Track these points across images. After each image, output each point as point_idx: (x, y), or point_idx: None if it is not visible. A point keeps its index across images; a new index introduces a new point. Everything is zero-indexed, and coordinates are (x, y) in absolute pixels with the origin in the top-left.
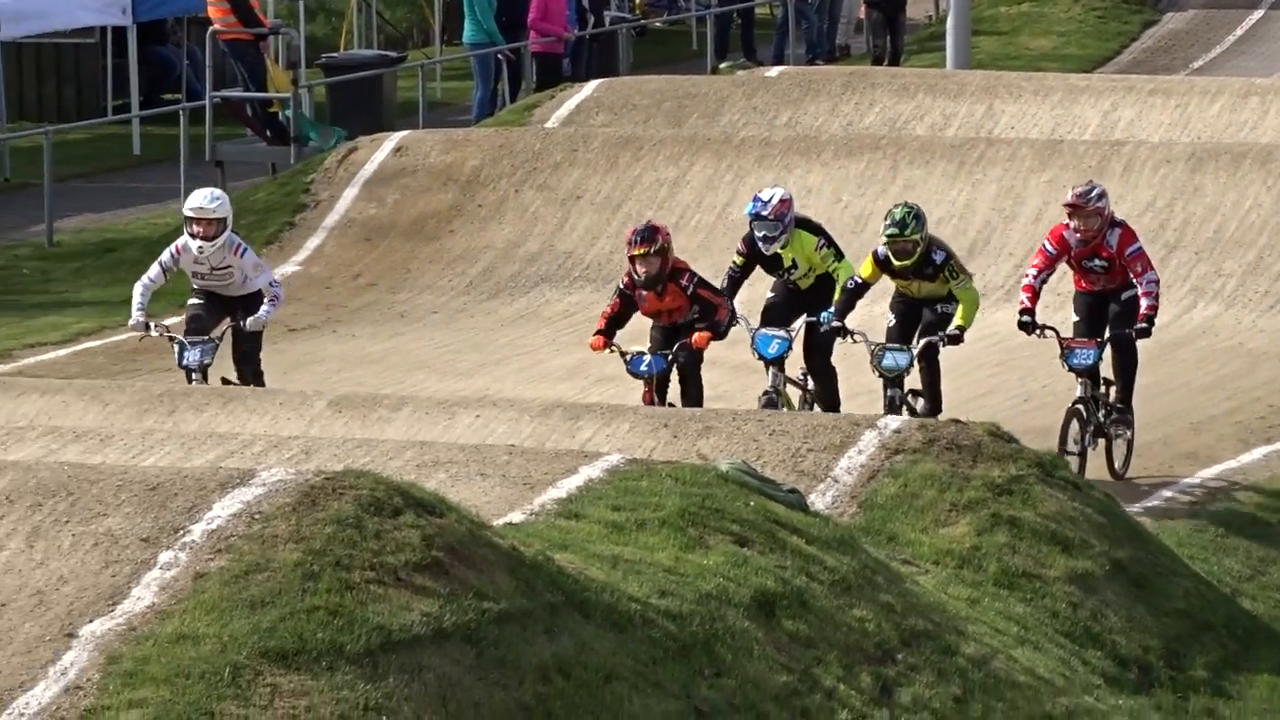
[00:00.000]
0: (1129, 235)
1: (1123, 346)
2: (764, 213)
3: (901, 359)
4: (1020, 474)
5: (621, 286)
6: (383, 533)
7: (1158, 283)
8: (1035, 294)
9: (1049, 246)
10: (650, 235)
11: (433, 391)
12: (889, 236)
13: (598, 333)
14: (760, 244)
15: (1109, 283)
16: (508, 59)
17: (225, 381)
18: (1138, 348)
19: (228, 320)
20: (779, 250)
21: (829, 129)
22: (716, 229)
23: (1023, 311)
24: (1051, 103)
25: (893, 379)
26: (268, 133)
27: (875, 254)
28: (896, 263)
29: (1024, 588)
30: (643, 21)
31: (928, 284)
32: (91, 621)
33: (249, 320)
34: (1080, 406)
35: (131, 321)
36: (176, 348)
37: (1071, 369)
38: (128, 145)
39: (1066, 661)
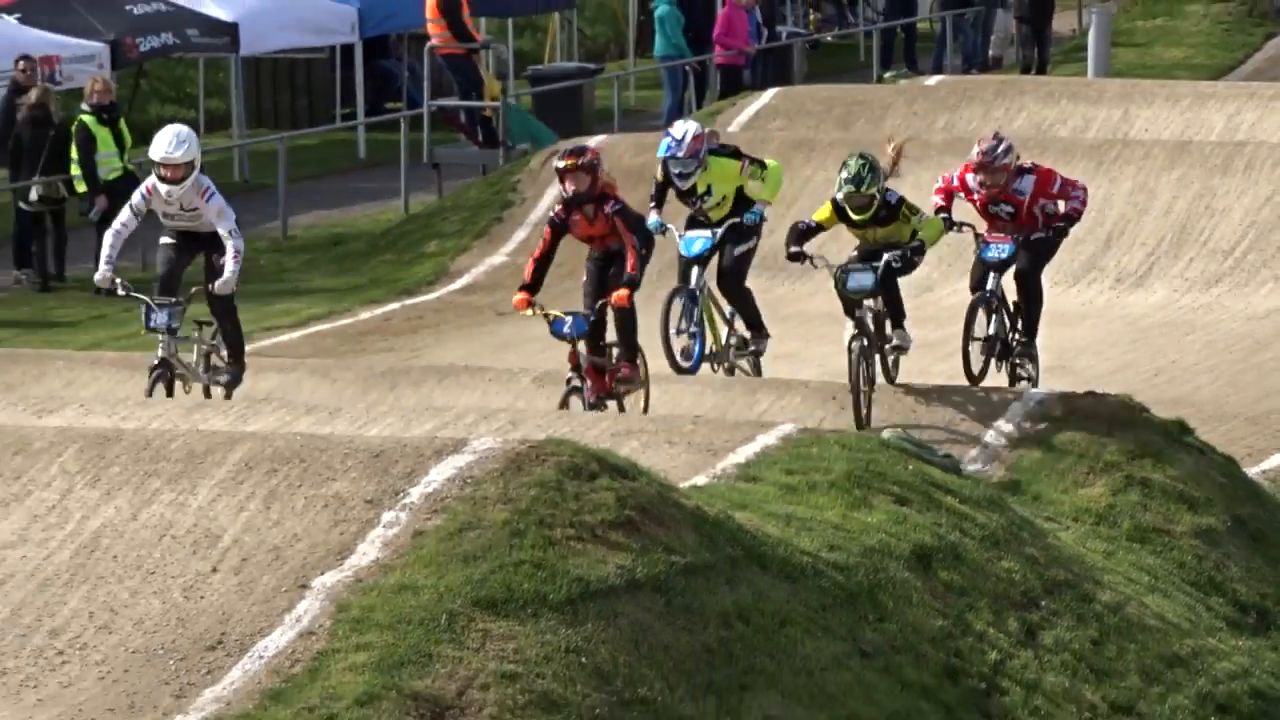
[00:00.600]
0: (1047, 178)
1: (1031, 265)
2: (679, 153)
3: (866, 279)
4: (1151, 440)
5: (552, 215)
6: (581, 494)
7: (1085, 190)
8: (948, 198)
9: (953, 178)
10: (579, 150)
11: None
12: (845, 194)
13: (522, 288)
14: (676, 180)
15: (1016, 230)
16: (694, 70)
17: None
18: (1036, 271)
19: (194, 287)
20: (696, 181)
21: (981, 131)
22: None
23: (937, 210)
24: (1181, 108)
25: (857, 301)
26: (479, 137)
27: (834, 200)
28: (854, 215)
29: (1154, 541)
30: (815, 36)
31: (883, 229)
32: (322, 574)
33: (217, 284)
34: (988, 298)
35: (98, 276)
36: (143, 310)
37: (983, 261)
38: (354, 150)
39: (1192, 608)
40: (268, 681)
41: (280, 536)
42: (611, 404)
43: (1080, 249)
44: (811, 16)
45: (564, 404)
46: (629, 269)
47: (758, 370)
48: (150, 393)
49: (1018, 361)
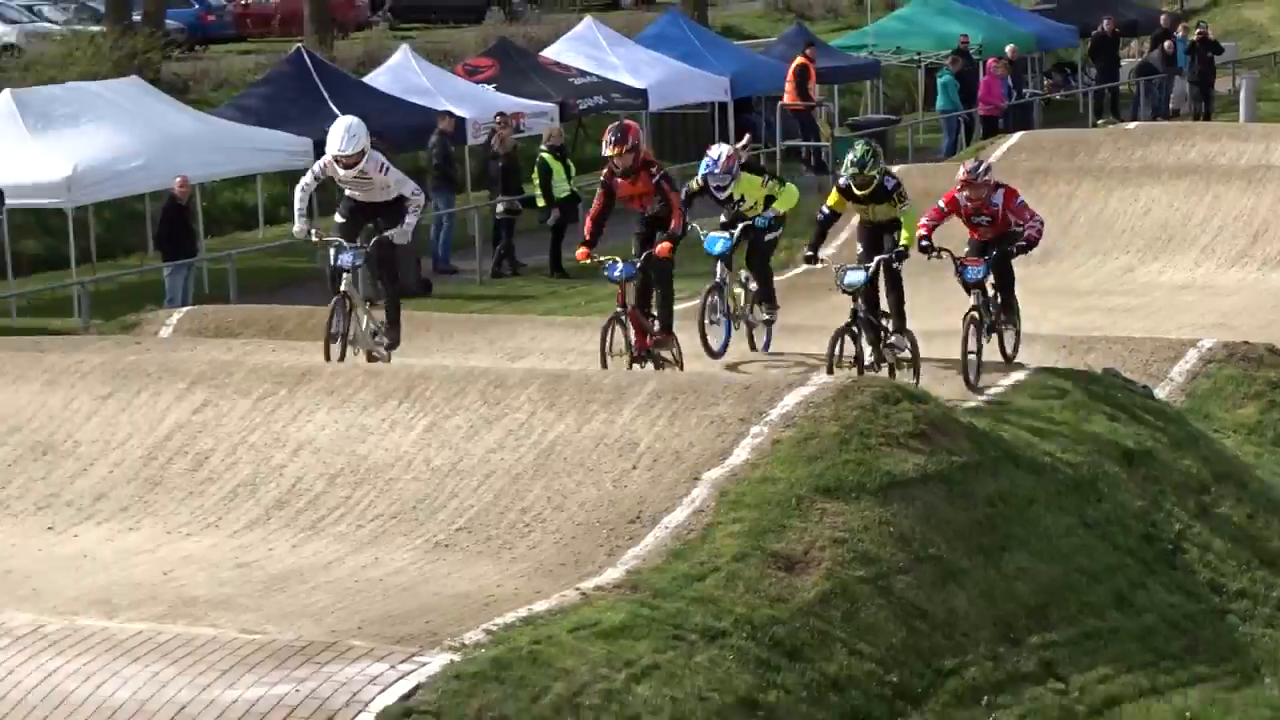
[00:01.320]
0: (1011, 194)
1: (1000, 263)
2: (715, 170)
3: (858, 275)
4: None
5: (603, 179)
6: (889, 414)
7: (1042, 223)
8: (930, 230)
9: (942, 205)
10: (622, 136)
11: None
12: (851, 175)
13: (582, 243)
14: (715, 191)
15: (992, 232)
16: (964, 120)
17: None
18: (1012, 265)
19: (377, 238)
20: (731, 193)
21: (1166, 161)
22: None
23: (921, 239)
24: None
25: (853, 293)
26: (814, 166)
27: (839, 184)
28: (857, 191)
29: None
30: (1048, 95)
31: (880, 207)
32: (709, 470)
33: (395, 231)
34: (975, 314)
35: (295, 228)
36: (333, 250)
37: (964, 283)
38: None
39: None
40: (671, 544)
41: (680, 444)
42: (649, 365)
43: (1235, 242)
44: (1045, 83)
45: (607, 331)
46: (672, 226)
47: (769, 335)
48: (331, 318)
49: (1004, 330)
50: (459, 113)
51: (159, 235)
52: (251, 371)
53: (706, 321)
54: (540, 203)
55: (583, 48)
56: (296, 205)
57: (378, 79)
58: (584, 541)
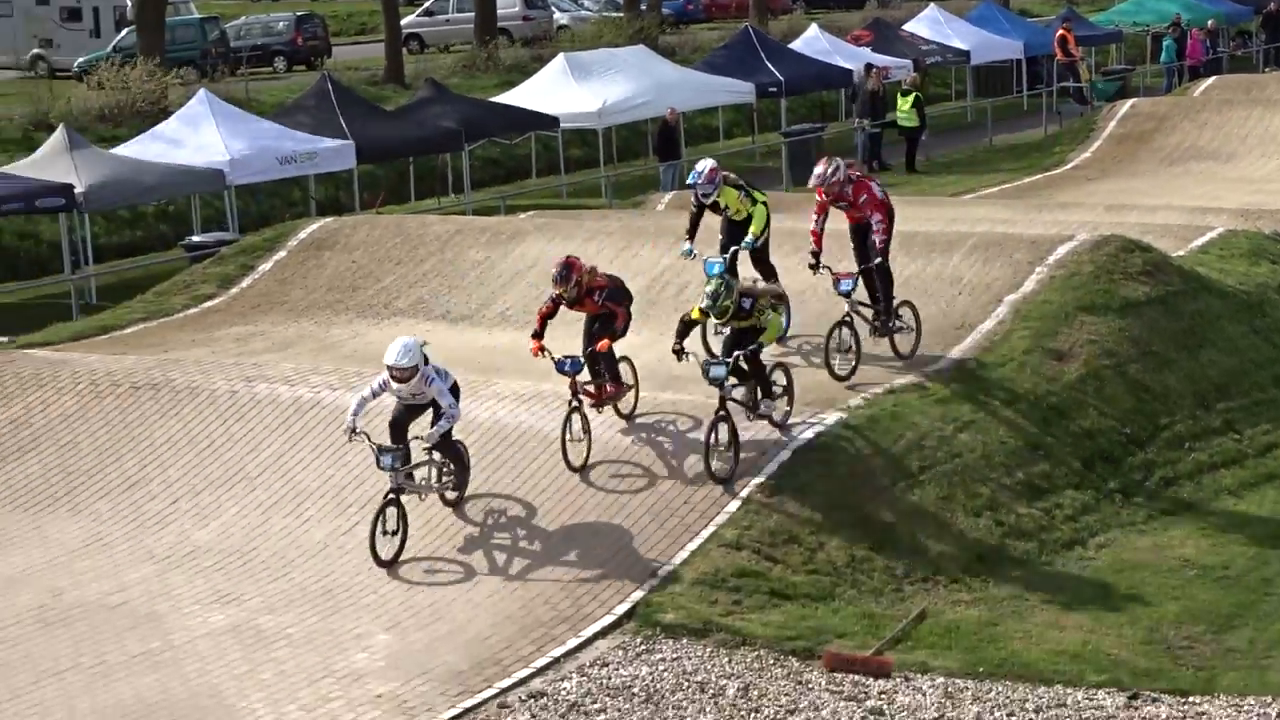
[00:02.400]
0: (859, 187)
1: (878, 273)
2: (699, 180)
3: (720, 370)
4: None
5: (552, 297)
6: (1127, 258)
7: (881, 220)
8: (819, 237)
9: (818, 200)
10: (565, 275)
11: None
12: (706, 306)
13: (533, 335)
14: (703, 199)
15: (856, 214)
16: (1177, 69)
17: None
18: (884, 272)
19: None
20: (716, 199)
21: None
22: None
23: (813, 254)
24: None
25: (717, 385)
26: (1079, 101)
27: (700, 307)
28: (715, 319)
29: None
30: (1233, 53)
31: (742, 322)
32: (1008, 295)
33: (425, 435)
34: (846, 318)
35: (345, 425)
36: (375, 452)
37: (839, 294)
38: (1020, 106)
39: None
40: (983, 343)
41: (989, 278)
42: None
43: None
44: (1231, 44)
45: (567, 420)
46: (616, 325)
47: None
48: (382, 514)
49: (896, 331)
50: (848, 66)
51: (656, 146)
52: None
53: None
54: (898, 122)
55: (928, 24)
56: (351, 408)
57: (796, 45)
58: (928, 340)
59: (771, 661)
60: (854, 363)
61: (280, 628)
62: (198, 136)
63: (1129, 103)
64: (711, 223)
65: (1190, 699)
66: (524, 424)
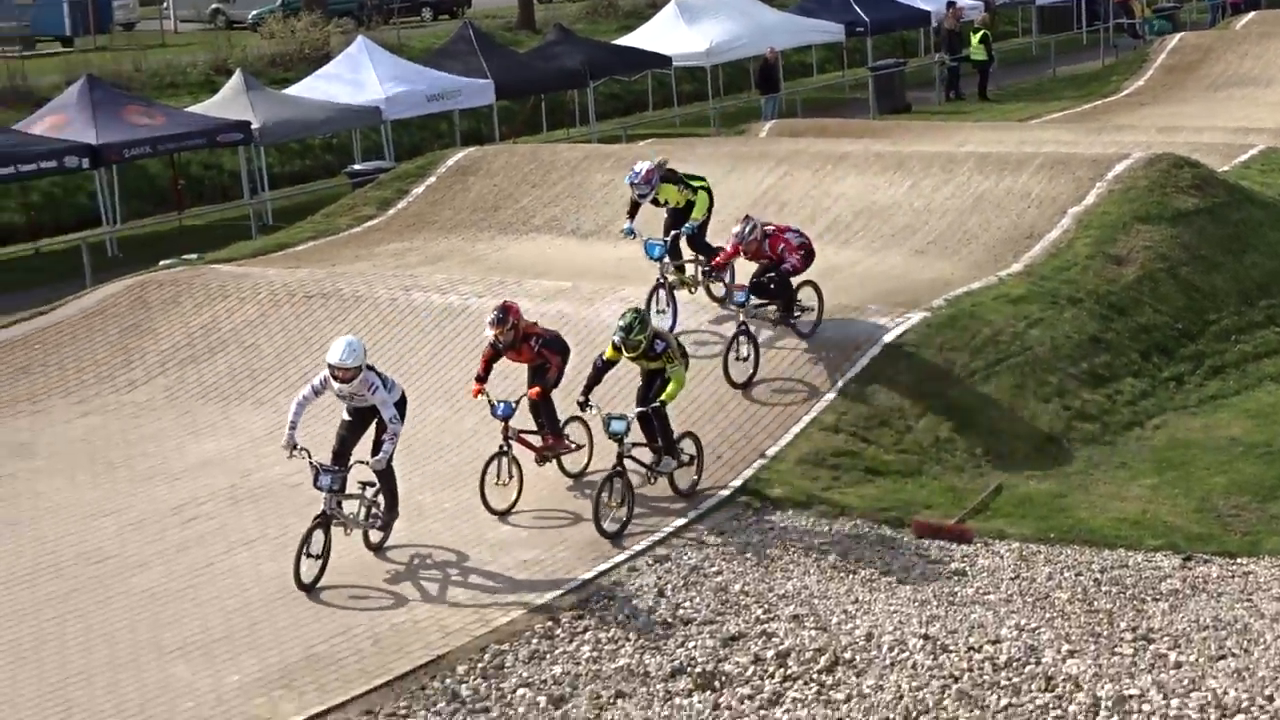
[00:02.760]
0: (775, 240)
1: (776, 280)
2: (636, 181)
3: (620, 425)
4: None
5: (492, 342)
6: (1178, 174)
7: (797, 261)
8: (723, 265)
9: (730, 252)
10: (503, 318)
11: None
12: (620, 338)
13: (476, 378)
14: (638, 198)
15: (775, 259)
16: (1220, 5)
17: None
18: (781, 282)
19: (356, 462)
20: (656, 197)
21: None
22: None
23: (714, 266)
24: None
25: (617, 439)
26: (1133, 35)
27: (613, 342)
28: (627, 353)
29: None
30: None
31: (651, 363)
32: (1072, 207)
33: (372, 461)
34: (744, 327)
35: (283, 440)
36: (313, 472)
37: (734, 304)
38: (1079, 42)
39: None
40: (1049, 250)
41: (1055, 192)
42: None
43: None
44: None
45: (491, 462)
46: (548, 375)
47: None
48: (309, 537)
49: (793, 320)
50: (927, 7)
51: (758, 81)
52: (813, 155)
53: (653, 312)
54: (970, 56)
55: None
56: (289, 417)
57: None
58: (1001, 248)
59: (867, 529)
60: (751, 371)
61: (437, 504)
62: (357, 78)
63: (1177, 36)
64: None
65: (1238, 560)
66: None
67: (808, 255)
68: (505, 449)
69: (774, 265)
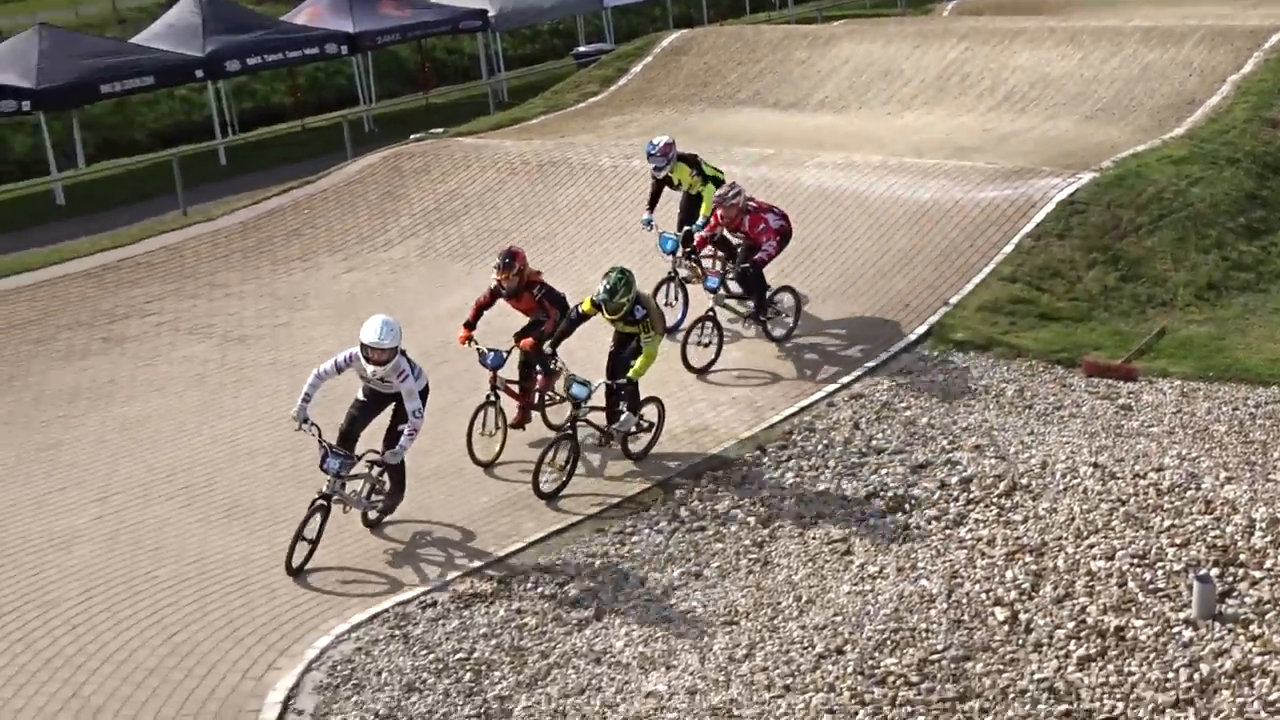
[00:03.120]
0: (756, 220)
1: (751, 276)
2: (654, 152)
3: (582, 390)
4: None
5: (493, 286)
6: None
7: (773, 246)
8: (705, 242)
9: (714, 221)
10: (510, 263)
11: None
12: (602, 300)
13: (465, 324)
14: (654, 172)
15: (749, 239)
16: None
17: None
18: (755, 277)
19: (371, 453)
20: (669, 174)
21: None
22: None
23: (695, 246)
24: None
25: (575, 404)
26: None
27: (593, 299)
28: (607, 315)
29: None
30: None
31: (628, 328)
32: (1230, 75)
33: (388, 453)
34: (710, 313)
35: (293, 411)
36: (321, 452)
37: (706, 290)
38: None
39: None
40: (1209, 115)
41: (1215, 62)
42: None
43: None
44: None
45: (479, 413)
46: (544, 329)
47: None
48: (305, 521)
49: (765, 319)
50: None
51: None
52: (992, 32)
53: (662, 303)
54: None
55: None
56: (304, 389)
57: None
58: (1164, 114)
59: (1041, 369)
60: (713, 355)
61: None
62: None
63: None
64: (674, 194)
65: None
66: (841, 186)
67: (784, 240)
68: (493, 399)
69: (750, 249)
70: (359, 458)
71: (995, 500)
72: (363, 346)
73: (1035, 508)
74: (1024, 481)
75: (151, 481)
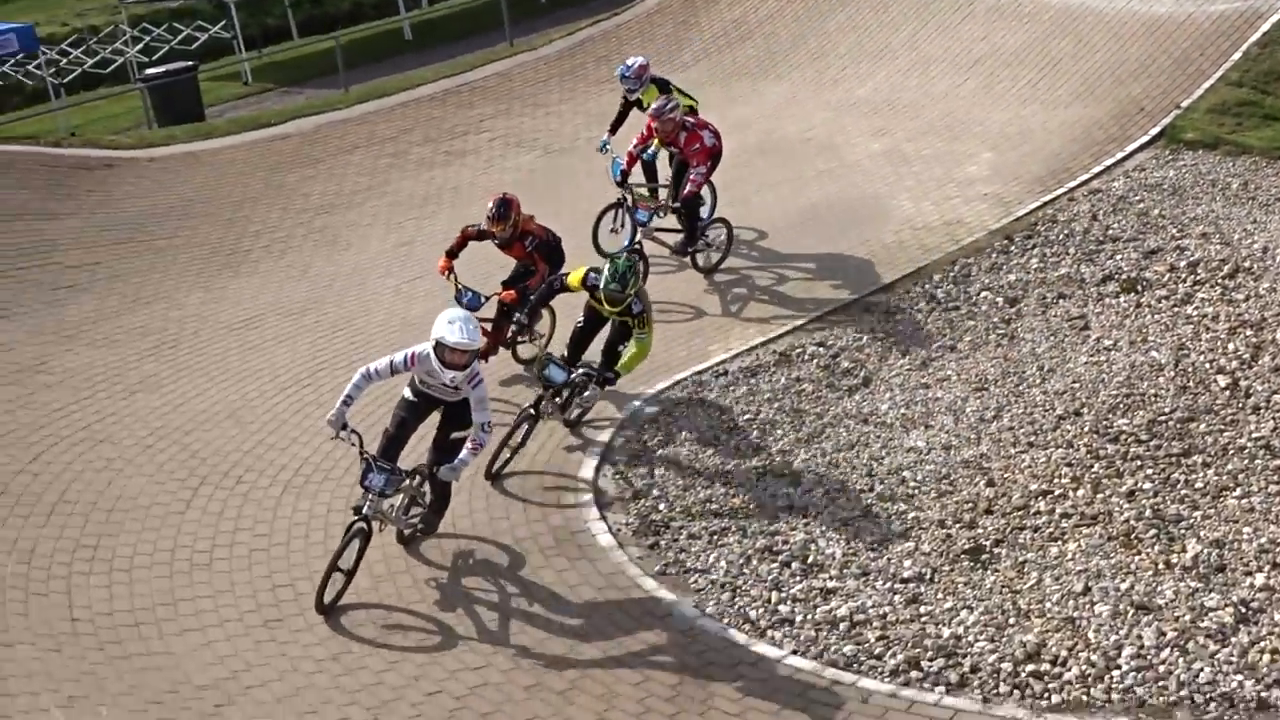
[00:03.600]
0: (692, 138)
1: (684, 211)
2: (628, 74)
3: (559, 375)
4: None
5: (479, 229)
6: None
7: (699, 176)
8: (632, 160)
9: (644, 131)
10: (505, 213)
11: None
12: (608, 288)
13: (448, 253)
14: (626, 94)
15: (682, 157)
16: None
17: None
18: (695, 208)
19: (419, 474)
20: (640, 97)
21: None
22: None
23: (621, 172)
24: None
25: (548, 387)
26: None
27: (587, 277)
28: (607, 305)
29: None
30: None
31: (620, 317)
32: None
33: (443, 470)
34: (638, 245)
35: (331, 415)
36: (363, 465)
37: (637, 223)
38: None
39: None
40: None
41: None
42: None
43: None
44: None
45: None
46: (530, 284)
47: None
48: (342, 550)
49: (693, 250)
50: None
51: None
52: None
53: (608, 229)
54: None
55: None
56: (347, 390)
57: None
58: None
59: (1264, 164)
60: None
61: (917, 150)
62: None
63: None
64: (635, 120)
65: None
66: (1083, 3)
67: (714, 162)
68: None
69: (682, 168)
70: (407, 474)
71: (1219, 281)
72: (439, 346)
73: (1256, 288)
74: (1246, 264)
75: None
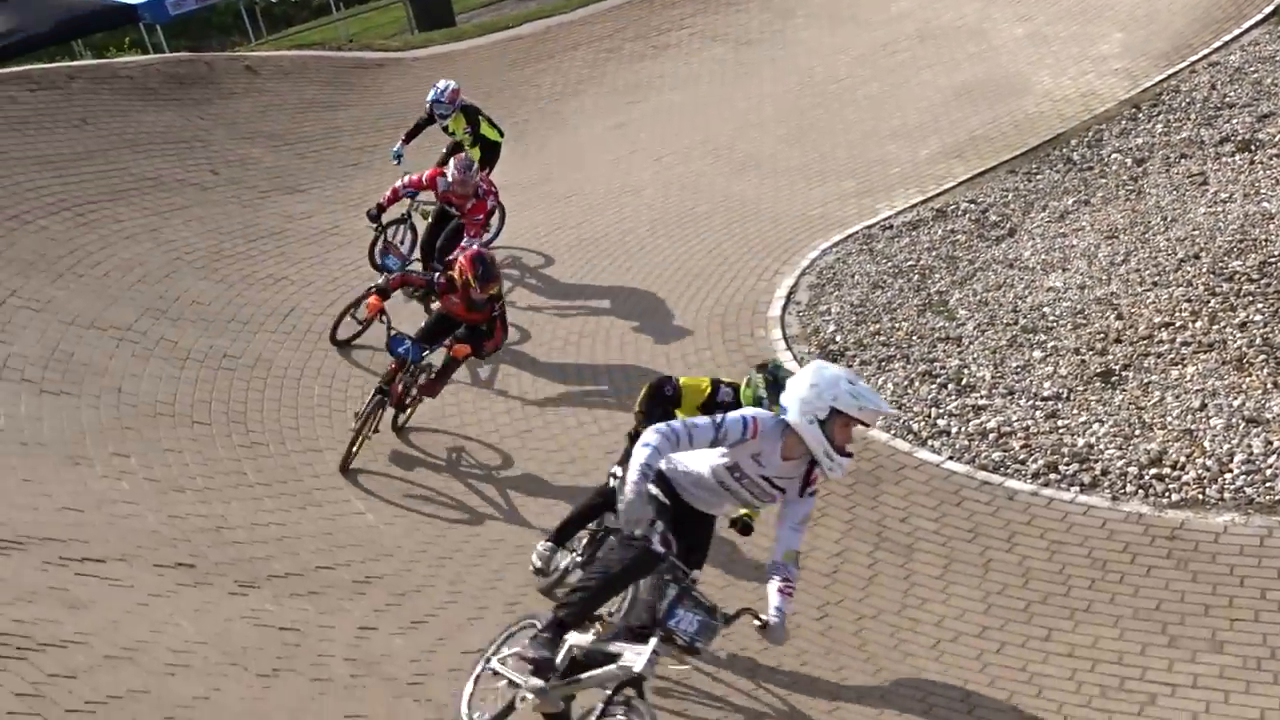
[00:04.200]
0: (478, 207)
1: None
2: (441, 99)
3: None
4: None
5: (439, 280)
6: None
7: (469, 246)
8: (395, 196)
9: (423, 179)
10: (493, 276)
11: None
12: (768, 398)
13: (378, 291)
14: (437, 119)
15: (461, 223)
16: None
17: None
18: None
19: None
20: (449, 124)
21: None
22: None
23: (377, 205)
24: None
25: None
26: None
27: (755, 393)
28: (687, 408)
29: None
30: None
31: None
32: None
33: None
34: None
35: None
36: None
37: (381, 266)
38: None
39: None
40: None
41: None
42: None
43: None
44: None
45: (369, 412)
46: (487, 345)
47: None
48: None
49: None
50: None
51: None
52: None
53: (395, 239)
54: None
55: None
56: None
57: None
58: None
59: None
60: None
61: (1055, 33)
62: None
63: None
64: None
65: None
66: None
67: (483, 227)
68: (384, 397)
69: (455, 233)
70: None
71: None
72: (850, 421)
73: None
74: None
75: (691, 145)
